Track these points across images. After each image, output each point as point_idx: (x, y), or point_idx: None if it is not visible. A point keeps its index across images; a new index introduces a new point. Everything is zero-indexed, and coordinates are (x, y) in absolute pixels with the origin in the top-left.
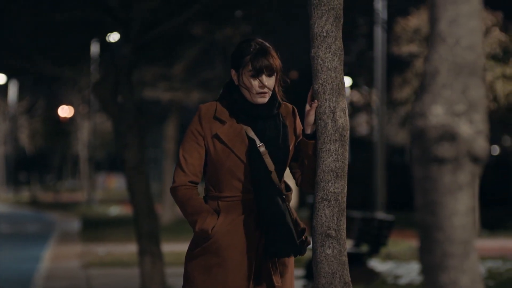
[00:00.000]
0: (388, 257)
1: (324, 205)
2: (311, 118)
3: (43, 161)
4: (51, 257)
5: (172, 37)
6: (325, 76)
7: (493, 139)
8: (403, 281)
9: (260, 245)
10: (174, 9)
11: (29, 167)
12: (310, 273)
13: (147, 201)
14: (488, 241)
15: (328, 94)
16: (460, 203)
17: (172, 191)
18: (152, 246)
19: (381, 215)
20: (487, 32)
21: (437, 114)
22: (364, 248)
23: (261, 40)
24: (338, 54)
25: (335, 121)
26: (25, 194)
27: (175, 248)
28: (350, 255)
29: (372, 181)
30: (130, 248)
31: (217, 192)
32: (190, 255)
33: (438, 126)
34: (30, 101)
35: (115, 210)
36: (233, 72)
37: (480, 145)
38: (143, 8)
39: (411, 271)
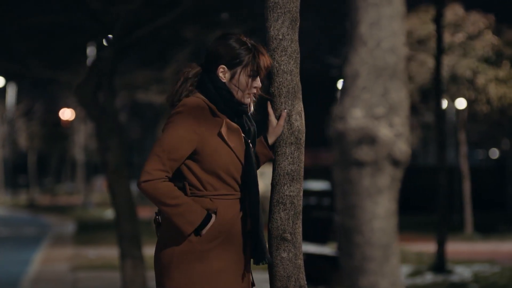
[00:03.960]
0: None
1: (280, 208)
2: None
3: (42, 164)
4: (41, 260)
5: (163, 40)
6: (281, 79)
7: (493, 142)
8: None
9: (248, 244)
10: (155, 12)
11: (27, 170)
12: None
13: (128, 204)
14: (480, 245)
15: (284, 97)
16: (380, 207)
17: (148, 185)
18: (133, 249)
19: None
20: (479, 35)
21: (356, 117)
22: None
23: (246, 37)
24: (294, 57)
25: (290, 124)
26: (23, 197)
27: None
28: (331, 258)
29: None
30: None
31: (210, 190)
32: (201, 253)
33: (358, 129)
34: (28, 104)
35: (110, 214)
36: (222, 68)
37: (400, 148)
38: (124, 11)
39: None
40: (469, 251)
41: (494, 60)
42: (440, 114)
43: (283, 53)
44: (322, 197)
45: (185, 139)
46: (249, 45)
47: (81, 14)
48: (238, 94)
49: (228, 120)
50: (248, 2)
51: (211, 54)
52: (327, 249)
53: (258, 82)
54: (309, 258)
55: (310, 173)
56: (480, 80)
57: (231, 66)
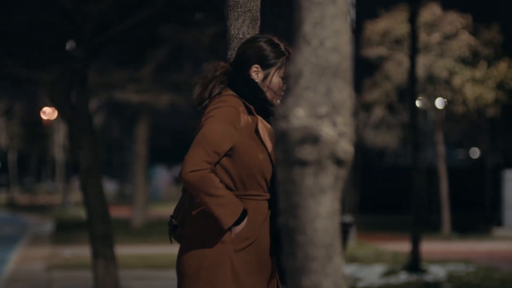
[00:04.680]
0: (352, 260)
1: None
2: None
3: (22, 163)
4: (18, 259)
5: (140, 39)
6: None
7: (474, 142)
8: (362, 284)
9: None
10: (126, 12)
11: (8, 170)
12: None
13: (101, 204)
14: (456, 244)
15: None
16: (323, 206)
17: (195, 175)
18: (106, 249)
19: (343, 218)
20: (456, 35)
21: (299, 116)
22: None
23: (278, 39)
24: None
25: None
26: (3, 196)
27: (143, 251)
28: None
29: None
30: None
31: (241, 190)
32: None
33: (301, 128)
34: (8, 104)
35: None
36: (256, 68)
37: (343, 147)
38: (95, 11)
39: (372, 274)
40: (445, 251)
41: (471, 60)
42: (415, 114)
43: None
44: None
45: (227, 134)
46: (282, 47)
47: (53, 13)
48: (269, 95)
49: (261, 119)
50: (221, 2)
51: (243, 54)
52: None
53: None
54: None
55: None
56: (457, 80)
57: (265, 67)
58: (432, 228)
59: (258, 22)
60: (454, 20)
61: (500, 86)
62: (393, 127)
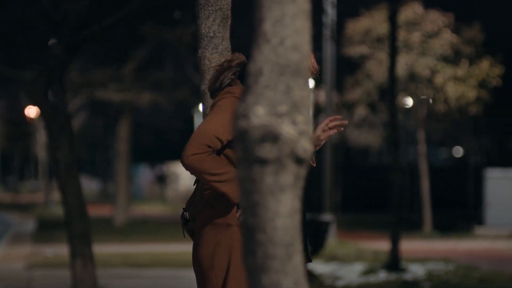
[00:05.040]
0: (333, 258)
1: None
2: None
3: (5, 162)
4: None
5: (121, 38)
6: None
7: (457, 141)
8: (341, 282)
9: None
10: (105, 10)
11: None
12: None
13: (79, 203)
14: (437, 243)
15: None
16: (283, 205)
17: (195, 158)
18: (84, 247)
19: (321, 217)
20: (438, 33)
21: (259, 115)
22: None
23: None
24: (225, 55)
25: None
26: None
27: (124, 250)
28: None
29: (321, 183)
30: None
31: None
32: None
33: (260, 127)
34: None
35: None
36: None
37: (303, 146)
38: (73, 9)
39: (352, 272)
40: (426, 250)
41: (453, 59)
42: (394, 113)
43: (214, 50)
44: None
45: (230, 123)
46: None
47: (33, 11)
48: None
49: None
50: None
51: None
52: None
53: None
54: None
55: None
56: (439, 79)
57: None
58: (414, 227)
59: (229, 21)
60: (436, 19)
61: (482, 84)
62: (376, 126)
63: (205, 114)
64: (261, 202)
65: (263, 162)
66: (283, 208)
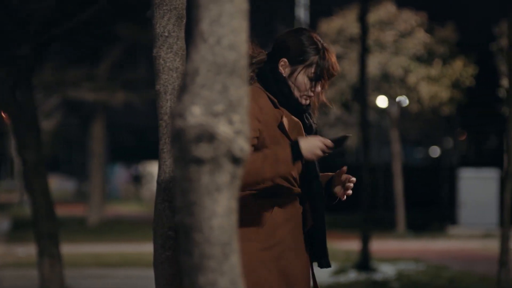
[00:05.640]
0: None
1: (165, 206)
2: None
3: None
4: None
5: (94, 36)
6: (167, 77)
7: (434, 141)
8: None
9: (307, 248)
10: (72, 9)
11: None
12: None
13: (46, 202)
14: (410, 243)
15: (170, 95)
16: (219, 205)
17: None
18: (52, 247)
19: None
20: (411, 33)
21: (195, 114)
22: None
23: (320, 37)
24: (180, 54)
25: (173, 123)
26: None
27: (97, 250)
28: None
29: None
30: None
31: None
32: (257, 253)
33: (197, 126)
34: None
35: None
36: (284, 62)
37: (240, 145)
38: (40, 8)
39: (322, 272)
40: (398, 249)
41: (426, 58)
42: (365, 112)
43: (169, 50)
44: None
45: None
46: (320, 46)
47: None
48: (295, 92)
49: (287, 113)
50: None
51: (278, 45)
52: None
53: (318, 87)
54: None
55: None
56: (412, 78)
57: (293, 62)
58: (387, 226)
59: (184, 20)
60: (409, 18)
61: (455, 84)
62: (351, 125)
63: (159, 113)
64: (198, 201)
65: (199, 161)
66: (220, 208)
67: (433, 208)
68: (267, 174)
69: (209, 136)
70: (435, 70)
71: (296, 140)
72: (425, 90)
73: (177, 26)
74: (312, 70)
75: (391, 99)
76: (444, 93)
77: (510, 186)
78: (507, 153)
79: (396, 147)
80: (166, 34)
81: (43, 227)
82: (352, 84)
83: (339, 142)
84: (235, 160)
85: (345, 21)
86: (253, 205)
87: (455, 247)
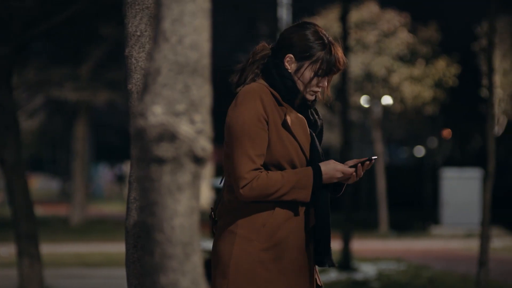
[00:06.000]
0: None
1: (137, 205)
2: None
3: None
4: None
5: (78, 36)
6: (139, 76)
7: (419, 140)
8: None
9: (310, 246)
10: (52, 9)
11: None
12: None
13: (26, 202)
14: (392, 243)
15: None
16: (181, 204)
17: (245, 190)
18: (31, 247)
19: None
20: (394, 33)
21: (157, 113)
22: None
23: (325, 31)
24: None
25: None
26: None
27: (79, 249)
28: None
29: None
30: None
31: None
32: (252, 252)
33: (158, 126)
34: None
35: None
36: (290, 58)
37: (202, 145)
38: (21, 7)
39: None
40: (380, 249)
41: (409, 58)
42: (346, 112)
43: (141, 49)
44: None
45: (259, 127)
46: (326, 41)
47: None
48: (300, 88)
49: (292, 110)
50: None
51: (283, 40)
52: None
53: (324, 82)
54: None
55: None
56: (395, 78)
57: (299, 58)
58: (370, 226)
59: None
60: (392, 18)
61: (438, 84)
62: (335, 125)
63: (132, 113)
64: (159, 201)
65: (160, 161)
66: (181, 207)
67: (416, 208)
68: (285, 197)
69: (170, 136)
70: (418, 70)
71: (318, 166)
72: (408, 90)
73: (149, 25)
74: (319, 65)
75: (374, 99)
76: (427, 93)
77: (490, 186)
78: (487, 153)
79: (379, 147)
80: (138, 33)
81: (23, 227)
82: (334, 84)
83: (362, 164)
84: (197, 160)
85: (328, 21)
86: (255, 205)
87: (438, 247)
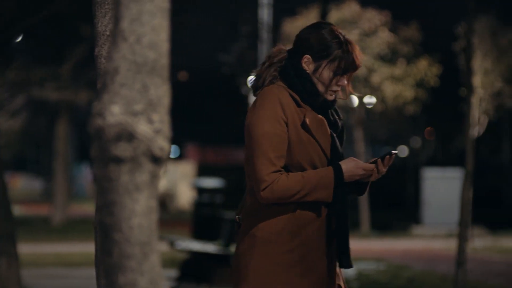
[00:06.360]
0: None
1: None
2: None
3: None
4: None
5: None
6: None
7: (402, 140)
8: None
9: (333, 249)
10: (33, 7)
11: None
12: (185, 275)
13: (3, 202)
14: (373, 243)
15: None
16: (139, 204)
17: (266, 193)
18: (9, 247)
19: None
20: (375, 32)
21: (115, 113)
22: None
23: (341, 31)
24: None
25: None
26: None
27: (60, 249)
28: (218, 256)
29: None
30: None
31: None
32: (272, 252)
33: (116, 125)
34: None
35: (17, 211)
36: (307, 58)
37: (160, 144)
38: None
39: None
40: (361, 249)
41: (390, 58)
42: None
43: None
44: (214, 194)
45: (278, 129)
46: (342, 39)
47: None
48: (320, 88)
49: (311, 111)
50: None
51: (300, 41)
52: (211, 247)
53: (343, 81)
54: (193, 256)
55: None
56: (376, 78)
57: (316, 58)
58: (351, 226)
59: None
60: (373, 17)
61: (419, 84)
62: None
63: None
64: (118, 201)
65: (119, 160)
66: (139, 207)
67: (398, 208)
68: (307, 198)
69: (128, 135)
70: (399, 69)
71: (339, 164)
72: (389, 89)
73: None
74: (336, 64)
75: (356, 98)
76: (408, 93)
77: (469, 185)
78: (466, 152)
79: (361, 146)
80: (108, 33)
81: (0, 227)
82: None
83: (382, 160)
84: (155, 160)
85: (309, 21)
86: (276, 207)
87: (418, 247)
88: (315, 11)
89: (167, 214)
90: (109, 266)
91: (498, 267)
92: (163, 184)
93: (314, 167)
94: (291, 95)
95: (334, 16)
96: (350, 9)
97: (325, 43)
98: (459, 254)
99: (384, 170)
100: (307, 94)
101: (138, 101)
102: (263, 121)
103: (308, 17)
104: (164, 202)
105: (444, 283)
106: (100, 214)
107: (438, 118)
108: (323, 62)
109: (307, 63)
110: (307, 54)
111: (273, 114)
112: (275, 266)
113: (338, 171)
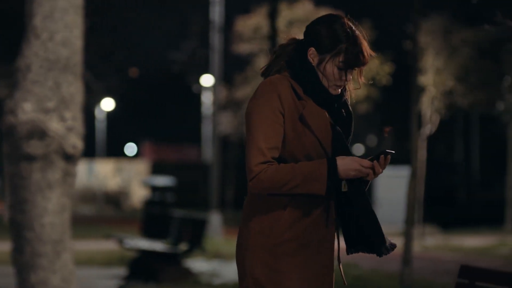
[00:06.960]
0: (217, 256)
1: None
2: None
3: None
4: None
5: (12, 32)
6: None
7: (359, 138)
8: (218, 280)
9: (331, 242)
10: None
11: None
12: (133, 273)
13: None
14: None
15: None
16: (51, 202)
17: (254, 183)
18: None
19: (200, 215)
20: None
21: (27, 110)
22: (183, 247)
23: (352, 23)
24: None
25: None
26: None
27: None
28: (166, 255)
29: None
30: None
31: None
32: (273, 246)
33: (28, 123)
34: None
35: None
36: (312, 51)
37: (72, 142)
38: None
39: (234, 270)
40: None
41: None
42: None
43: None
44: (165, 192)
45: (273, 120)
46: (350, 33)
47: None
48: (324, 82)
49: (312, 103)
50: None
51: (309, 32)
52: (159, 245)
53: (348, 76)
54: (142, 255)
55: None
56: None
57: (321, 51)
58: None
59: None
60: None
61: (372, 82)
62: None
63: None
64: (29, 199)
65: (30, 158)
66: (51, 205)
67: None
68: (298, 190)
69: (40, 133)
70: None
71: (334, 158)
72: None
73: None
74: (340, 58)
75: None
76: (360, 91)
77: (414, 184)
78: (411, 151)
79: None
80: None
81: None
82: None
83: (377, 158)
84: (67, 157)
85: (261, 19)
86: (269, 198)
87: None
88: (264, 9)
89: (121, 212)
90: (21, 264)
91: (448, 266)
92: (117, 182)
93: (310, 160)
94: (294, 87)
95: (287, 14)
96: (304, 8)
97: (329, 36)
98: (405, 252)
99: (380, 170)
100: (310, 86)
101: (50, 98)
102: (259, 111)
103: (260, 15)
104: (118, 200)
105: (390, 281)
106: (12, 212)
107: (391, 117)
108: (327, 55)
109: (312, 56)
110: (312, 47)
111: (269, 105)
112: (269, 257)
113: (332, 164)
